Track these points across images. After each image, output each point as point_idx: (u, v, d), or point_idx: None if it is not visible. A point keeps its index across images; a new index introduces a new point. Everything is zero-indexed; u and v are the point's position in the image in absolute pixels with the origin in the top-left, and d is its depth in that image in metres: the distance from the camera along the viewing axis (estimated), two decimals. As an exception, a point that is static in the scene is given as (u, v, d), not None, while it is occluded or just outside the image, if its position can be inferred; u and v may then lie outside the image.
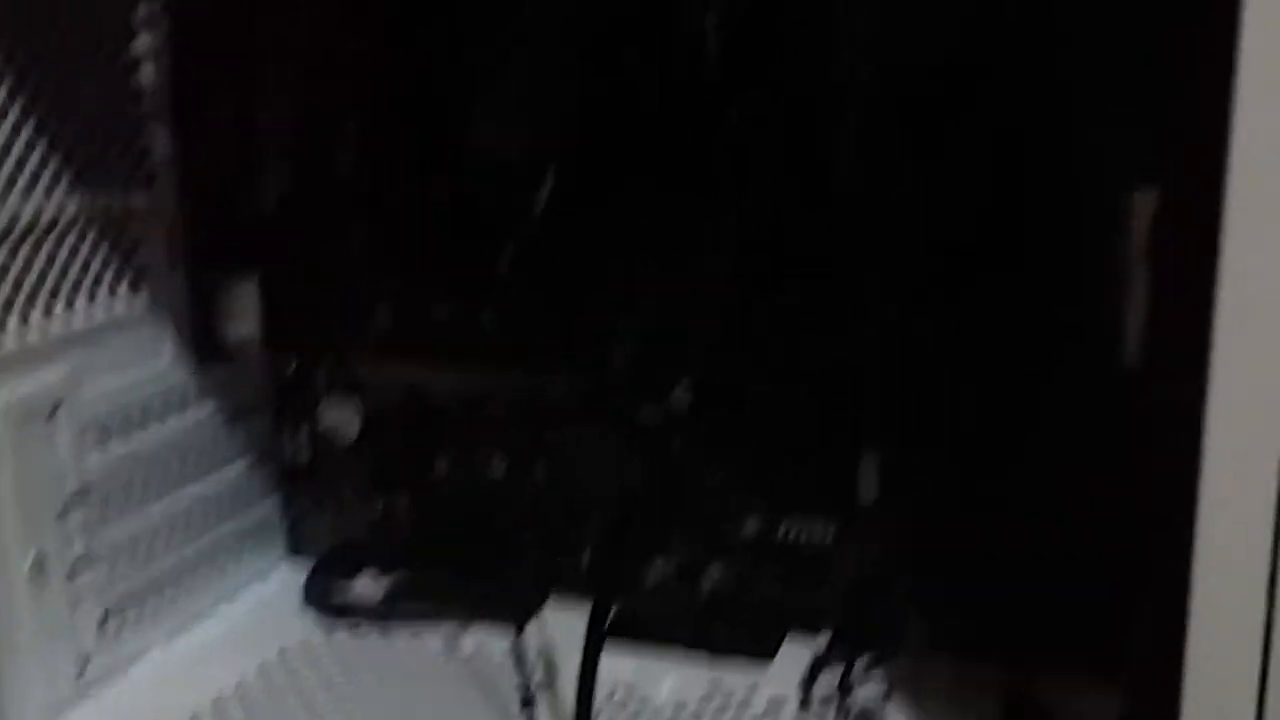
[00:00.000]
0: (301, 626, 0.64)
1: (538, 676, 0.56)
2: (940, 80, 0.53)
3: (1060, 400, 0.54)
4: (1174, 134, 0.44)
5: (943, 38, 0.53)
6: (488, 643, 0.61)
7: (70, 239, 0.56)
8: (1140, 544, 0.42)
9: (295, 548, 0.70)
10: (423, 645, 0.62)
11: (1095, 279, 0.52)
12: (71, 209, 0.55)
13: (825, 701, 0.55)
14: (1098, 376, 0.52)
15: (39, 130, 0.53)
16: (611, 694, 0.56)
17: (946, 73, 0.53)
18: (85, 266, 0.57)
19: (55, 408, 0.55)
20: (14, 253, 0.53)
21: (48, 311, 0.55)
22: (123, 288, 0.59)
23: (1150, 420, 0.41)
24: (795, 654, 0.58)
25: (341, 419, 0.67)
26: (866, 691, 0.55)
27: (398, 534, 0.67)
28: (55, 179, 0.54)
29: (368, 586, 0.66)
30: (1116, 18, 0.50)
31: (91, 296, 0.57)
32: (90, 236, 0.57)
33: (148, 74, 0.59)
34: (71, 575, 0.56)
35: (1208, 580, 0.37)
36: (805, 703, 0.56)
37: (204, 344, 0.64)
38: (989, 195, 0.53)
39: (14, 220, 0.52)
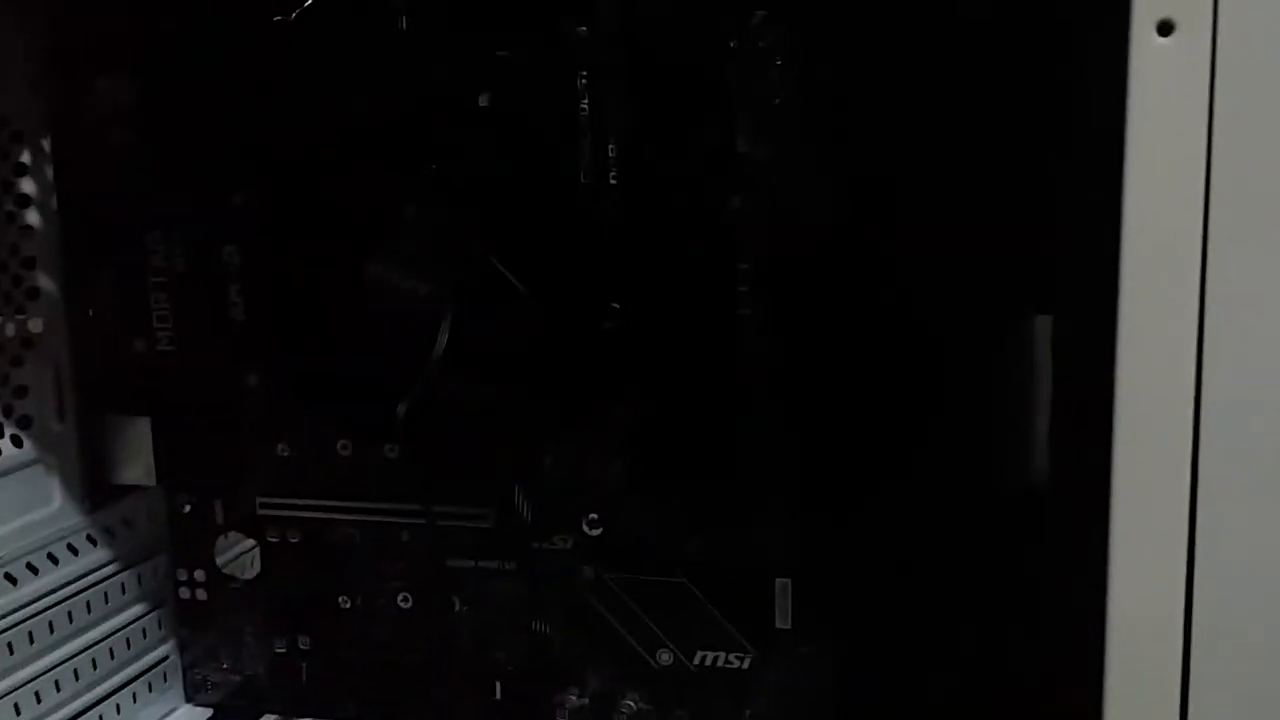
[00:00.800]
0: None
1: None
2: (838, 226, 0.54)
3: (973, 523, 0.54)
4: (1066, 260, 0.46)
5: (833, 185, 0.54)
6: (397, 787, 0.60)
7: (-48, 386, 0.55)
8: (1056, 666, 0.42)
9: (195, 690, 0.68)
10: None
11: (1000, 402, 0.53)
12: (-46, 354, 0.54)
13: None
14: (1010, 500, 0.53)
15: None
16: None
17: (843, 221, 0.54)
18: (-32, 413, 0.55)
19: (-62, 561, 0.53)
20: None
21: (-70, 462, 0.53)
22: (9, 434, 0.58)
23: (1057, 539, 0.42)
24: (714, 785, 0.58)
25: (239, 558, 0.65)
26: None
27: (299, 675, 0.65)
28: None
29: (270, 731, 0.64)
30: (1005, 151, 0.51)
31: (-24, 444, 0.56)
32: (-26, 383, 0.56)
33: (34, 216, 0.59)
34: (-46, 736, 0.54)
35: (1120, 701, 0.38)
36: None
37: (95, 486, 0.62)
38: (893, 327, 0.54)
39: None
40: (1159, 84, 0.35)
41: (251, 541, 0.65)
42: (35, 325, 0.59)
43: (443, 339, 0.52)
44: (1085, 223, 0.39)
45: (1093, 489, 0.38)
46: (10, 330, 0.58)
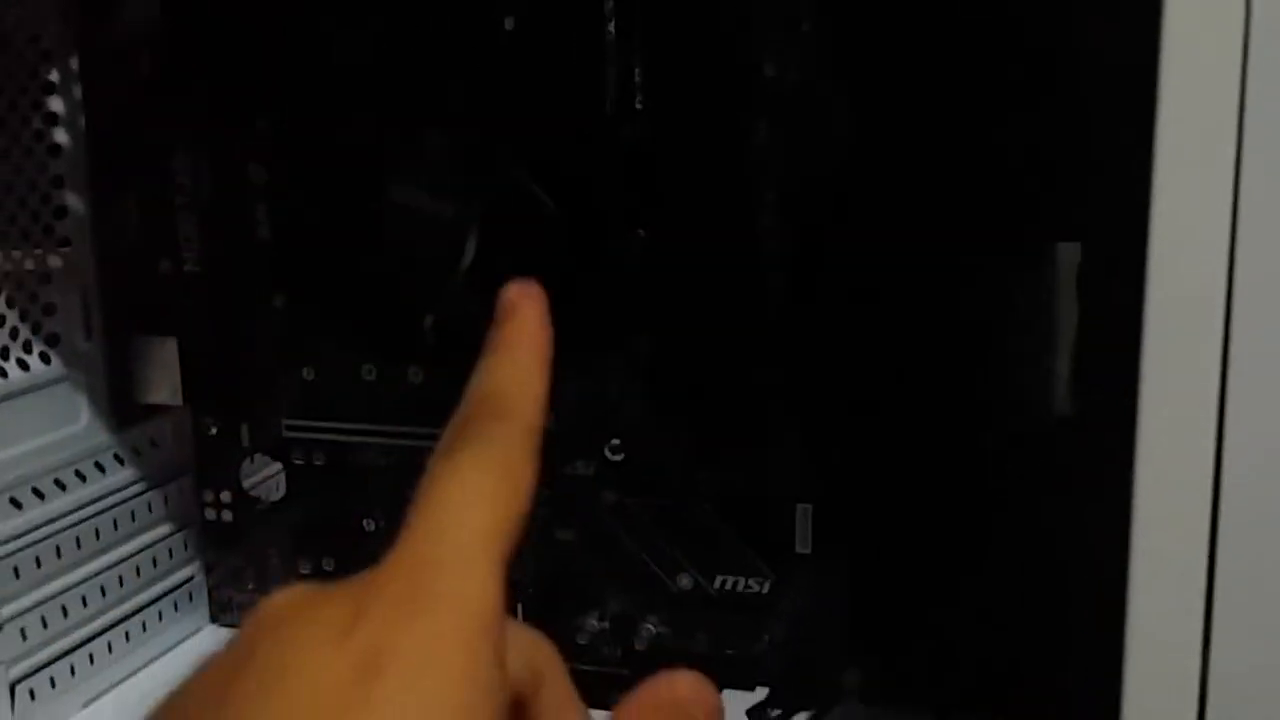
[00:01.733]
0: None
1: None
2: (865, 153, 0.54)
3: (995, 451, 0.54)
4: (1097, 189, 0.45)
5: (863, 117, 0.53)
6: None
7: (-18, 302, 0.55)
8: (1076, 591, 0.42)
9: (219, 611, 0.69)
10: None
11: (1025, 331, 0.53)
12: (-17, 271, 0.55)
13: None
14: (1033, 428, 0.53)
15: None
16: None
17: (870, 148, 0.54)
18: (-3, 329, 0.56)
19: (-32, 474, 0.53)
20: (-77, 317, 0.52)
21: (-40, 377, 0.54)
22: (37, 351, 0.58)
23: (1081, 470, 0.42)
24: (732, 709, 0.58)
25: (265, 480, 0.65)
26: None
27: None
28: (-34, 241, 0.54)
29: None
30: (1040, 77, 0.50)
31: (5, 359, 0.56)
32: (2, 299, 0.56)
33: (61, 135, 0.59)
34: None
35: (1141, 625, 0.38)
36: (743, 758, 0.55)
37: (122, 407, 0.63)
38: (916, 253, 0.54)
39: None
40: (1193, 6, 0.35)
41: (278, 465, 0.65)
42: (63, 246, 0.59)
43: (469, 255, 0.52)
44: (1115, 147, 0.38)
45: (1117, 421, 0.38)
46: (39, 249, 0.58)
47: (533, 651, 0.27)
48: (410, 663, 0.22)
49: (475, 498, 0.25)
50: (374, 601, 0.23)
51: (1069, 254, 0.50)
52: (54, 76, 0.58)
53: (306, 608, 0.23)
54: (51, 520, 0.58)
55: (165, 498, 0.66)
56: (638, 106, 0.56)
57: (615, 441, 0.59)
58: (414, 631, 0.22)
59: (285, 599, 0.24)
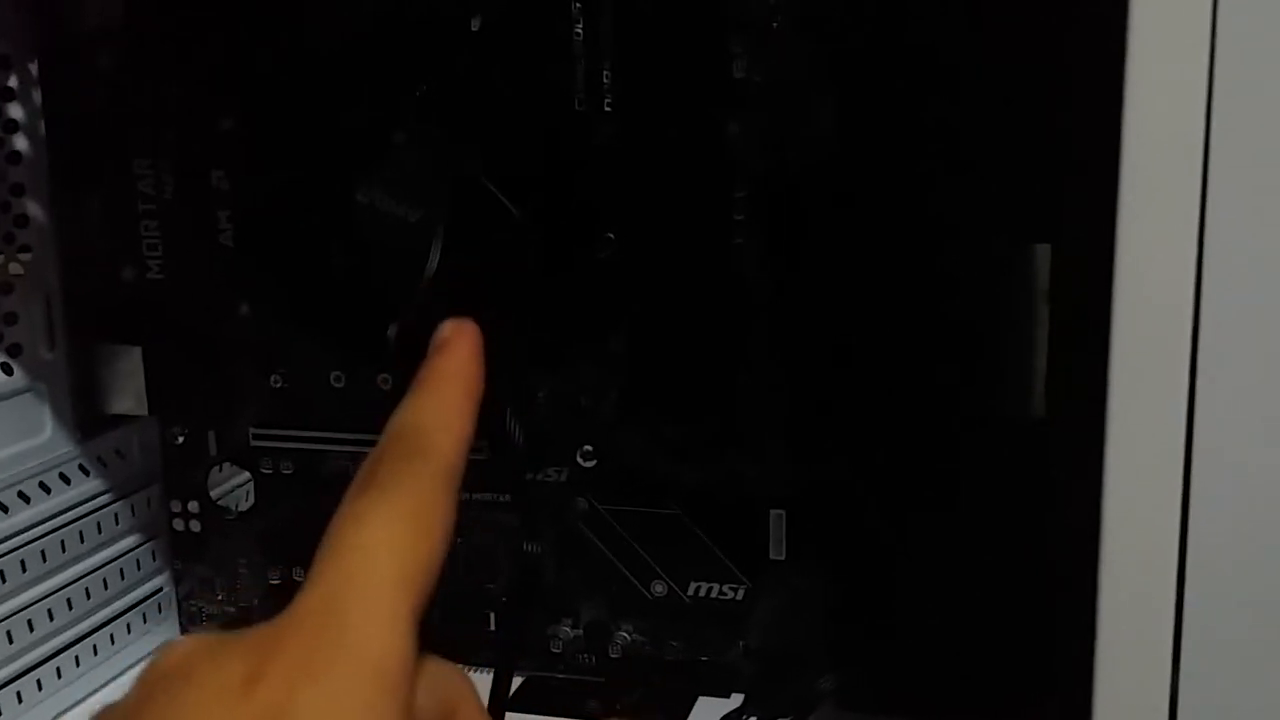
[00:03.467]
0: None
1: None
2: (836, 153, 0.53)
3: (969, 454, 0.53)
4: (1067, 188, 0.45)
5: (833, 117, 0.53)
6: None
7: (-59, 312, 0.54)
8: (1050, 593, 0.42)
9: (189, 621, 0.68)
10: None
11: (999, 331, 0.52)
12: (-58, 281, 0.54)
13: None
14: (1009, 430, 0.53)
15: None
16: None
17: (841, 148, 0.53)
18: (-42, 340, 0.55)
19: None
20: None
21: (-81, 388, 0.53)
22: (-1, 361, 0.58)
23: (1058, 472, 0.42)
24: (707, 716, 0.57)
25: (234, 490, 0.65)
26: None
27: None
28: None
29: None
30: (1009, 78, 0.50)
31: (-34, 371, 0.56)
32: (-38, 309, 0.55)
33: (21, 141, 0.58)
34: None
35: (1113, 626, 0.38)
36: (718, 766, 0.55)
37: (87, 417, 0.62)
38: (890, 255, 0.53)
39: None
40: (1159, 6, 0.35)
41: (246, 474, 0.65)
42: (24, 253, 0.59)
43: (434, 261, 0.52)
44: (1085, 149, 0.38)
45: (1089, 418, 0.37)
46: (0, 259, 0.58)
47: (445, 686, 0.26)
48: None
49: (383, 545, 0.24)
50: (275, 658, 0.22)
51: (1041, 256, 0.50)
52: (12, 82, 0.58)
53: (206, 661, 0.23)
54: (16, 533, 0.58)
55: (132, 508, 0.65)
56: (606, 108, 0.55)
57: (587, 448, 0.59)
58: (314, 692, 0.22)
59: (184, 650, 0.23)
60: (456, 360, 0.28)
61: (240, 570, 0.66)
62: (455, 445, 0.26)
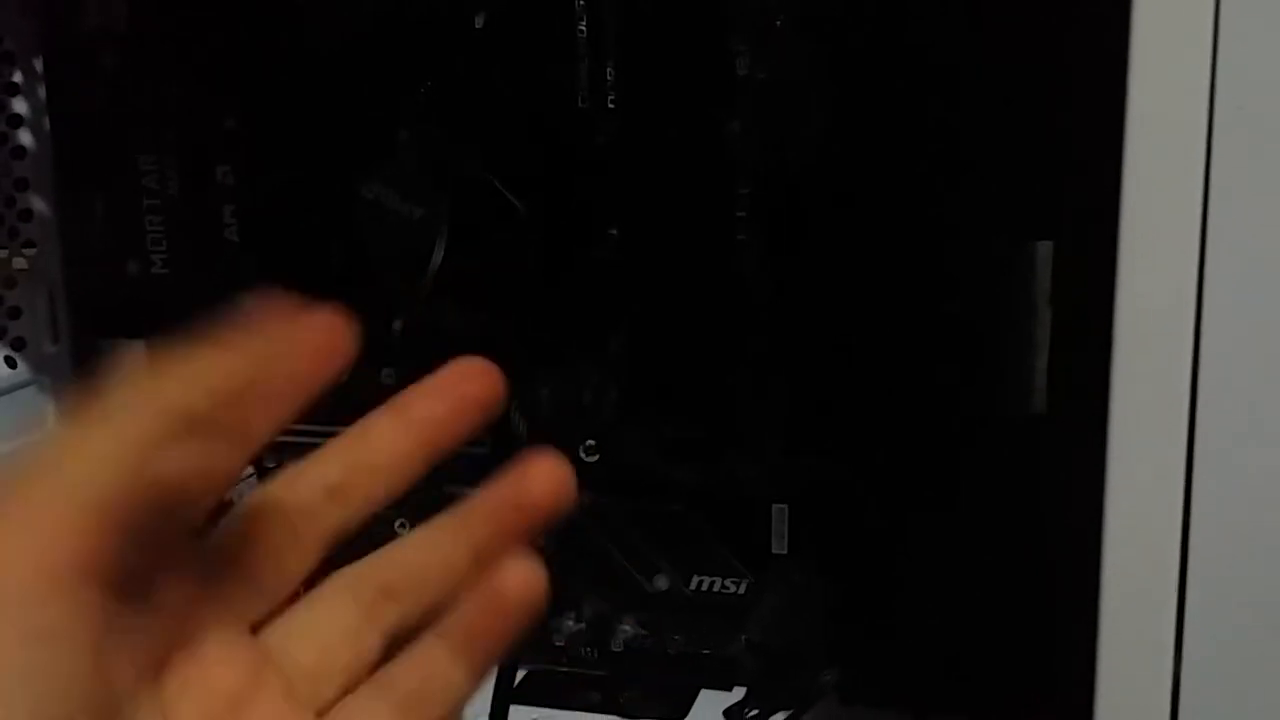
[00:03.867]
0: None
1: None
2: (837, 151, 0.54)
3: (970, 449, 0.54)
4: (1069, 186, 0.45)
5: (835, 115, 0.53)
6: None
7: (-54, 305, 0.54)
8: (1050, 588, 0.42)
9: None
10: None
11: (1000, 328, 0.52)
12: (-53, 274, 0.54)
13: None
14: (1010, 426, 0.53)
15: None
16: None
17: (842, 146, 0.53)
18: (-38, 334, 0.55)
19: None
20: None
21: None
22: (2, 355, 0.58)
23: (1059, 468, 0.42)
24: (709, 710, 0.58)
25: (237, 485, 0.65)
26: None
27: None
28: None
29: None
30: (1011, 76, 0.50)
31: (-31, 364, 0.56)
32: (-33, 302, 0.56)
33: (26, 137, 0.58)
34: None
35: (1114, 621, 0.38)
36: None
37: (91, 411, 0.62)
38: (891, 251, 0.53)
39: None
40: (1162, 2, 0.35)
41: (249, 469, 0.65)
42: (28, 248, 0.59)
43: (438, 257, 0.52)
44: (1087, 147, 0.38)
45: (1094, 418, 0.37)
46: (4, 251, 0.58)
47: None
48: None
49: (81, 448, 0.24)
50: None
51: (1043, 254, 0.50)
52: (17, 78, 0.58)
53: None
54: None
55: (135, 502, 0.65)
56: (610, 105, 0.55)
57: (590, 442, 0.59)
58: None
59: None
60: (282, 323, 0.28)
61: (244, 564, 0.66)
62: (189, 391, 0.26)
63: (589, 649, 0.61)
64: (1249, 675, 0.37)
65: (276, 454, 0.63)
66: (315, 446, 0.62)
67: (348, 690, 0.28)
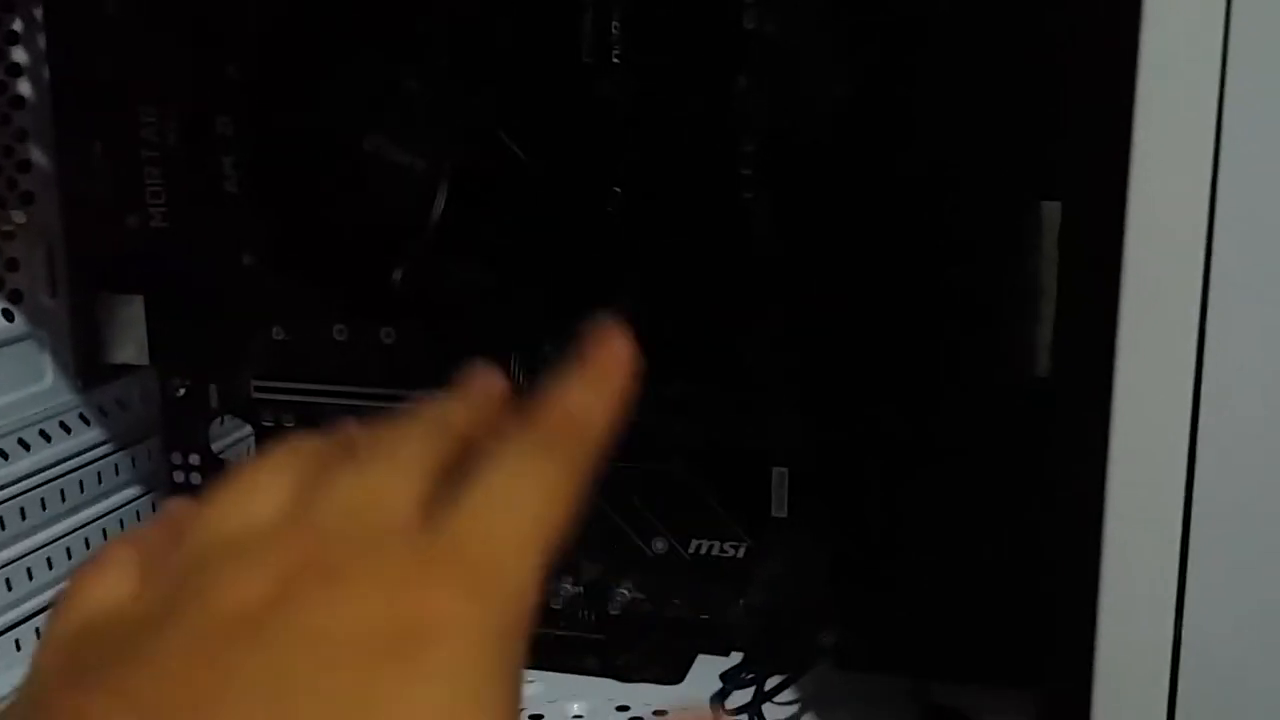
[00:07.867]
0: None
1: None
2: (845, 108, 0.53)
3: (972, 413, 0.53)
4: (1077, 147, 0.44)
5: (843, 71, 0.53)
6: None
7: (-57, 257, 0.54)
8: (1051, 554, 0.42)
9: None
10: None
11: (1005, 290, 0.52)
12: (-57, 225, 0.54)
13: (737, 721, 0.55)
14: (1011, 389, 0.52)
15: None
16: (518, 720, 0.55)
17: (850, 103, 0.53)
18: (-40, 286, 0.55)
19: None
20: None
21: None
22: (0, 307, 0.57)
23: (1058, 430, 0.41)
24: (706, 674, 0.57)
25: (235, 442, 0.65)
26: (778, 710, 0.55)
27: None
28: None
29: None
30: (1024, 33, 0.50)
31: (-33, 317, 0.56)
32: (-36, 254, 0.55)
33: (25, 87, 0.58)
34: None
35: (1115, 588, 0.37)
36: (716, 724, 0.55)
37: (88, 366, 0.62)
38: (897, 211, 0.53)
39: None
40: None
41: (248, 427, 0.64)
42: (27, 199, 0.58)
43: (439, 206, 0.51)
44: (1099, 108, 0.38)
45: (1098, 383, 0.37)
46: (2, 204, 0.57)
47: None
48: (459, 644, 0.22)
49: (533, 502, 0.25)
50: (426, 568, 0.23)
51: (1050, 214, 0.50)
52: (16, 26, 0.57)
53: (358, 559, 0.23)
54: (16, 480, 0.57)
55: (133, 459, 0.65)
56: (615, 59, 0.55)
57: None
58: (469, 609, 0.22)
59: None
60: (618, 359, 0.29)
61: (240, 523, 0.66)
62: (602, 438, 0.27)
63: (586, 612, 0.61)
64: (1249, 629, 0.37)
65: (275, 412, 0.63)
66: (318, 406, 0.62)
67: None
